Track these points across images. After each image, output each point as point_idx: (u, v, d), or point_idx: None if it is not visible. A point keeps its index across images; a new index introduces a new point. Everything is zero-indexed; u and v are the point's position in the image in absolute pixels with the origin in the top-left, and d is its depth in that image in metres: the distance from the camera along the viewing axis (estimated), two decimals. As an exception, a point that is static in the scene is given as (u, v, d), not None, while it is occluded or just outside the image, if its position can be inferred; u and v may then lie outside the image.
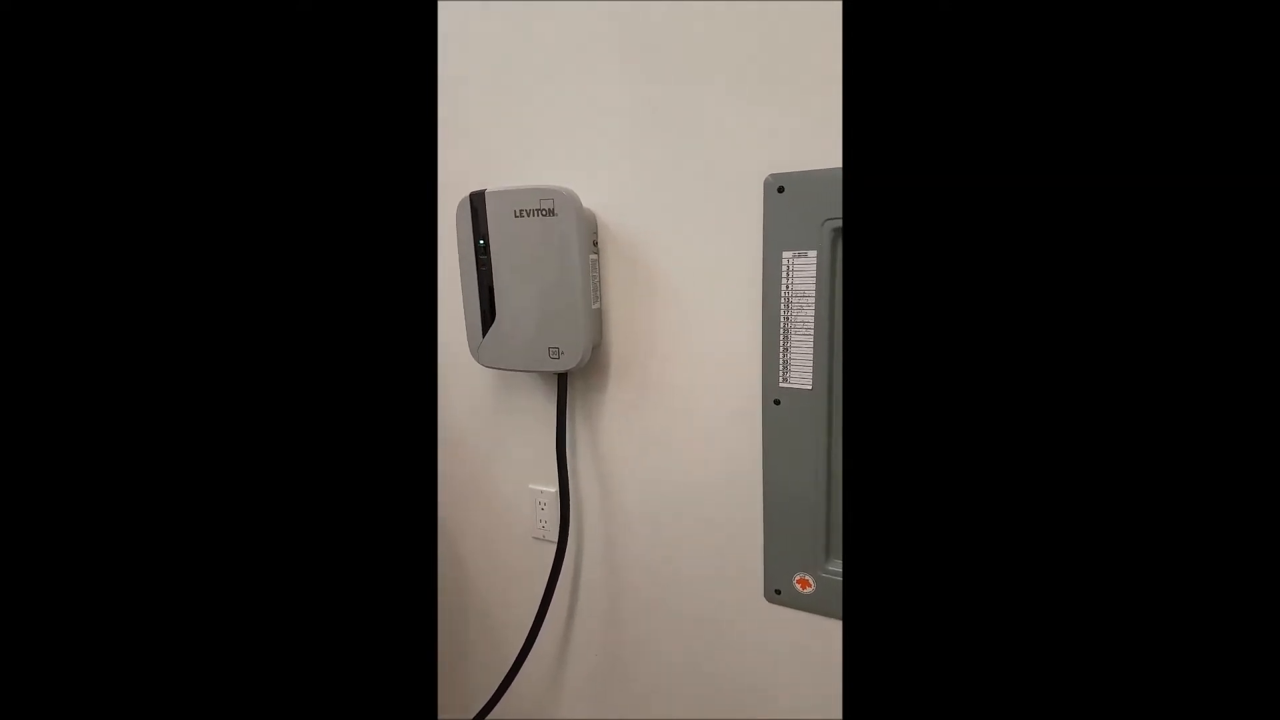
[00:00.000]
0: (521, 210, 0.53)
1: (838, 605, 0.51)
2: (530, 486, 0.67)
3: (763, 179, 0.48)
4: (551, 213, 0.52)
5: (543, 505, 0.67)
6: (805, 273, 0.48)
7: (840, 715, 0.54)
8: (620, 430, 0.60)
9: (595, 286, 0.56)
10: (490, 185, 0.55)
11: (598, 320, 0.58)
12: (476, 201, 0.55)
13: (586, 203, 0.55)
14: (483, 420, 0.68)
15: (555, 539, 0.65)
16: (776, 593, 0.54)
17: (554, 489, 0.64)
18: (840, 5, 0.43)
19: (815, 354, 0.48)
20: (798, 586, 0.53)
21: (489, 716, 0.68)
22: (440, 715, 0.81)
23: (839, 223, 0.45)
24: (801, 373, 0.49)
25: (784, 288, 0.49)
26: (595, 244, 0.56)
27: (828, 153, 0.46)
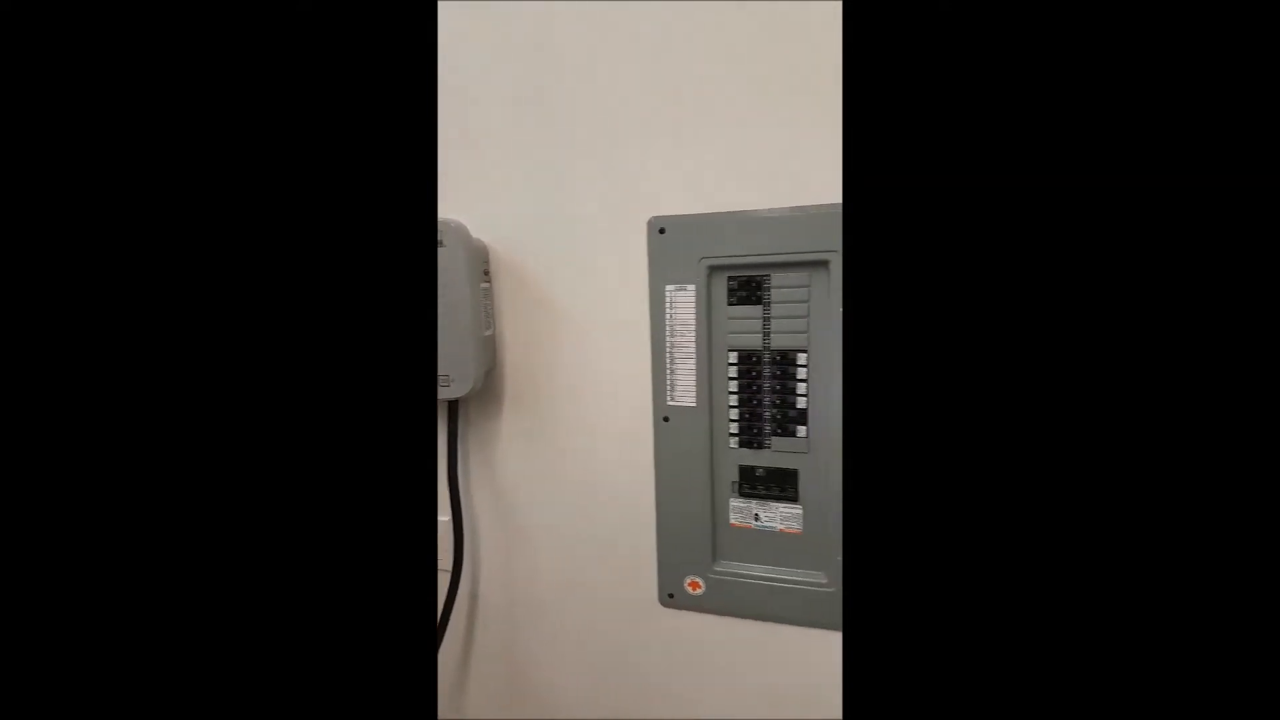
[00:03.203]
0: (410, 240, 0.52)
1: (726, 604, 0.57)
2: (421, 517, 0.65)
3: (647, 220, 0.52)
4: (439, 244, 0.52)
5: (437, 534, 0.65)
6: (686, 304, 0.53)
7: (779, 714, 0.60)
8: (517, 454, 0.61)
9: (487, 314, 0.57)
10: (373, 213, 0.53)
11: (490, 347, 0.58)
12: (358, 229, 0.53)
13: (478, 234, 0.56)
14: (366, 452, 0.65)
15: (449, 567, 0.63)
16: (670, 596, 0.59)
17: (448, 517, 0.63)
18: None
19: (697, 375, 0.54)
20: (689, 589, 0.58)
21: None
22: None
23: (712, 260, 0.51)
24: (686, 391, 0.54)
25: (668, 317, 0.54)
26: (487, 273, 0.57)
27: (705, 198, 0.51)
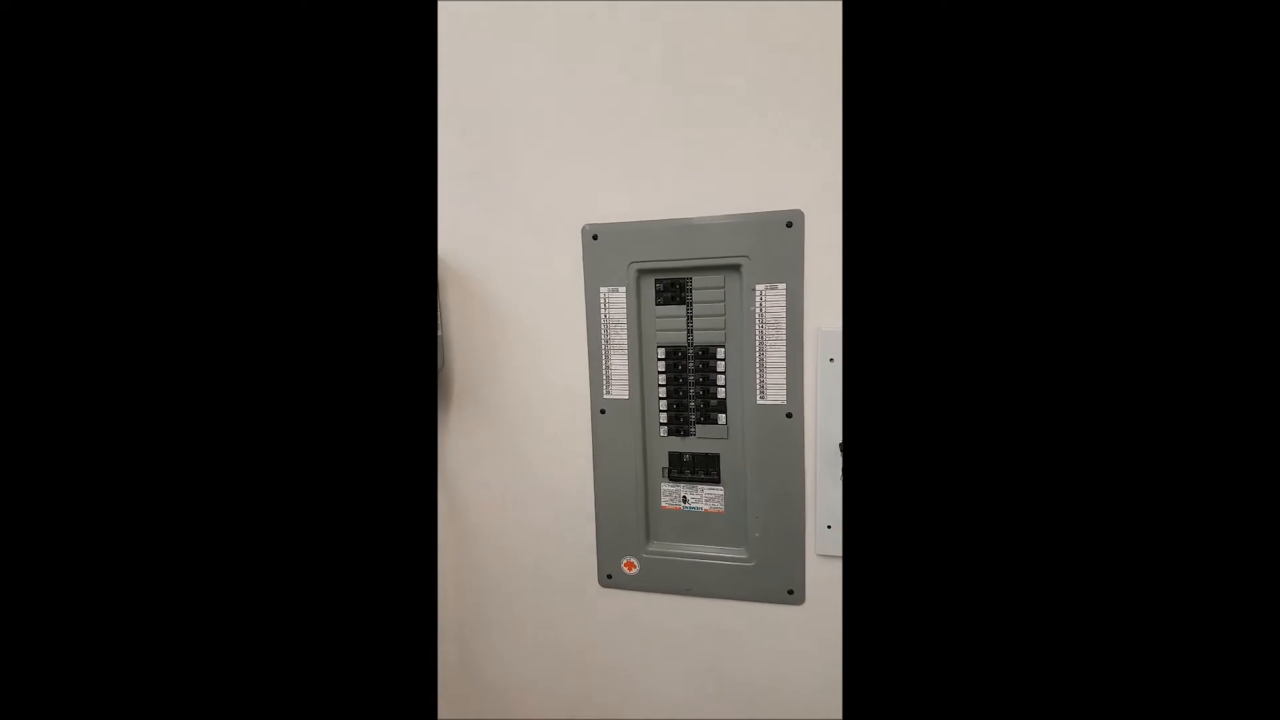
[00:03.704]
0: (362, 246, 0.57)
1: (658, 581, 0.62)
2: (375, 510, 0.68)
3: (581, 227, 0.58)
4: (393, 249, 0.57)
5: (389, 527, 0.68)
6: (618, 305, 0.58)
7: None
8: (464, 449, 0.66)
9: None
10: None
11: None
12: (315, 236, 0.57)
13: (427, 241, 0.61)
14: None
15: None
16: (608, 577, 0.63)
17: (400, 509, 0.67)
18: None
19: (630, 370, 0.59)
20: (625, 569, 0.62)
21: None
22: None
23: (640, 264, 0.57)
24: (620, 386, 0.60)
25: (602, 317, 0.59)
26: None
27: (633, 206, 0.57)
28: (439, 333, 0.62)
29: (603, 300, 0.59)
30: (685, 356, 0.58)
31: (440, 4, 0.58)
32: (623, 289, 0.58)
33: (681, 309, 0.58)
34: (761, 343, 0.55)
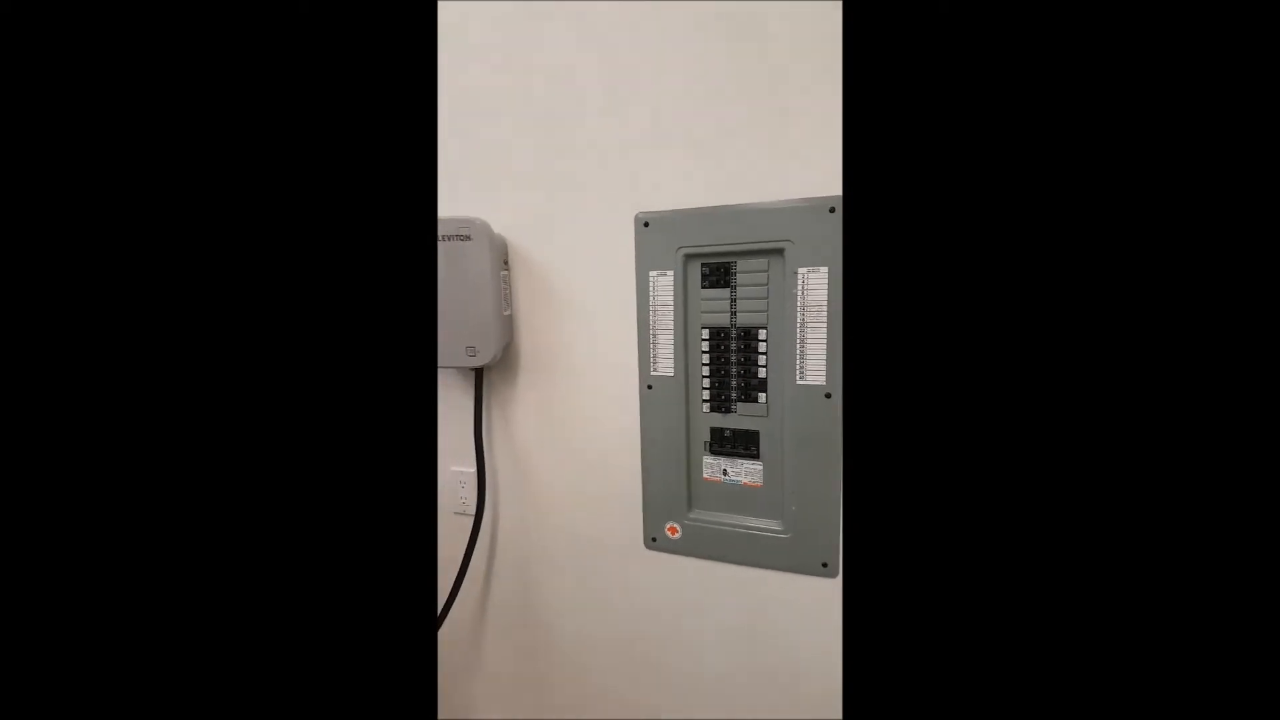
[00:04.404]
0: (444, 235, 0.64)
1: (700, 547, 0.66)
2: (452, 468, 0.78)
3: (634, 215, 0.63)
4: (468, 238, 0.64)
5: (463, 483, 0.77)
6: (666, 288, 0.62)
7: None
8: (529, 416, 0.73)
9: (506, 297, 0.69)
10: (416, 213, 0.66)
11: (509, 325, 0.70)
12: (404, 226, 0.66)
13: (498, 229, 0.68)
14: (410, 412, 0.78)
15: (473, 511, 0.75)
16: (653, 540, 0.68)
17: (473, 469, 0.75)
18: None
19: (675, 349, 0.63)
20: (668, 534, 0.67)
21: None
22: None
23: (688, 249, 0.61)
24: (666, 363, 0.64)
25: (651, 299, 0.63)
26: (506, 263, 0.69)
27: (683, 195, 0.61)
28: (508, 312, 0.69)
29: (652, 283, 0.63)
30: (728, 337, 0.61)
31: (506, 2, 0.64)
32: (671, 272, 0.62)
33: (726, 291, 0.61)
34: (802, 324, 0.57)
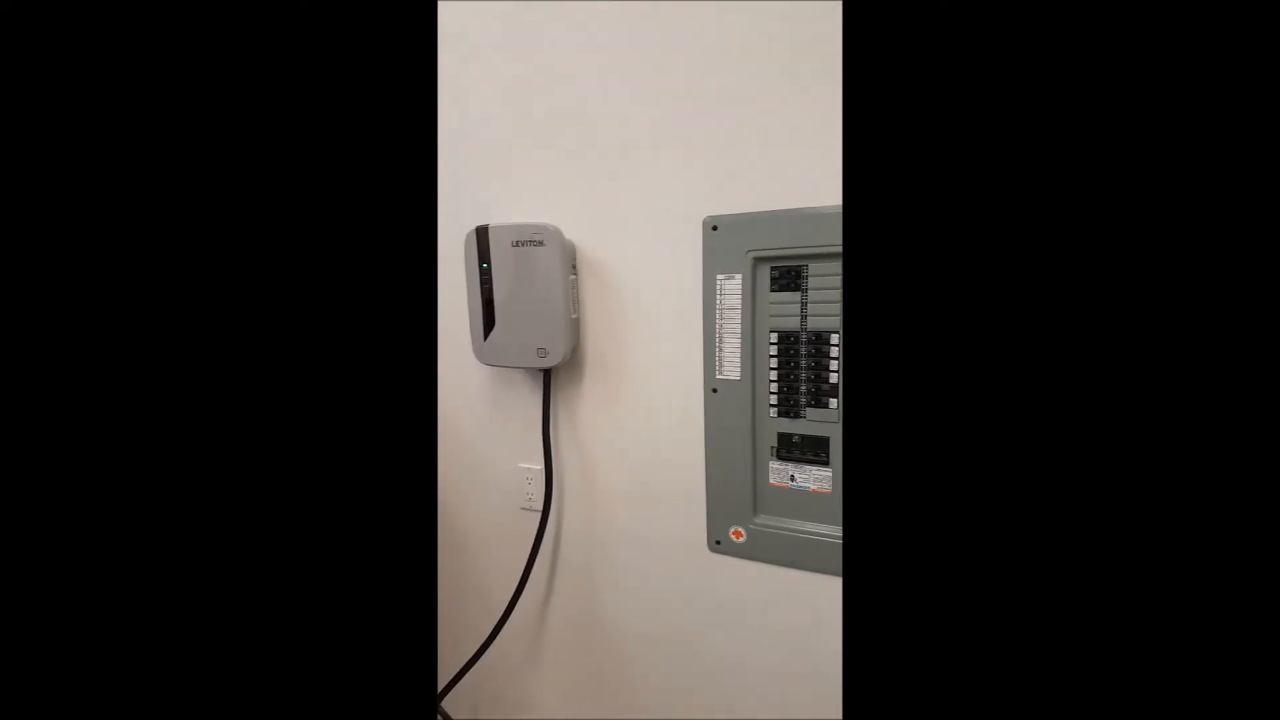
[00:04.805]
0: (518, 241, 0.67)
1: (764, 552, 0.65)
2: (520, 465, 0.81)
3: (702, 219, 0.63)
4: (541, 243, 0.66)
5: (530, 480, 0.80)
6: (733, 292, 0.62)
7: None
8: (594, 416, 0.74)
9: (574, 301, 0.71)
10: (492, 221, 0.69)
11: (576, 327, 0.72)
12: (481, 233, 0.69)
13: (568, 235, 0.70)
14: (481, 410, 0.82)
15: (540, 508, 0.78)
16: (717, 543, 0.68)
17: (540, 466, 0.78)
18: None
19: (742, 353, 0.63)
20: (733, 537, 0.67)
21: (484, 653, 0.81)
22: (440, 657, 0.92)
23: (757, 253, 0.60)
24: (732, 367, 0.64)
25: (718, 302, 0.63)
26: (574, 267, 0.71)
27: (750, 199, 0.61)
28: (575, 315, 0.71)
29: (719, 287, 0.63)
30: (798, 341, 0.61)
31: (566, 5, 0.66)
32: (739, 276, 0.62)
33: (796, 295, 0.60)
34: (876, 329, 0.56)
